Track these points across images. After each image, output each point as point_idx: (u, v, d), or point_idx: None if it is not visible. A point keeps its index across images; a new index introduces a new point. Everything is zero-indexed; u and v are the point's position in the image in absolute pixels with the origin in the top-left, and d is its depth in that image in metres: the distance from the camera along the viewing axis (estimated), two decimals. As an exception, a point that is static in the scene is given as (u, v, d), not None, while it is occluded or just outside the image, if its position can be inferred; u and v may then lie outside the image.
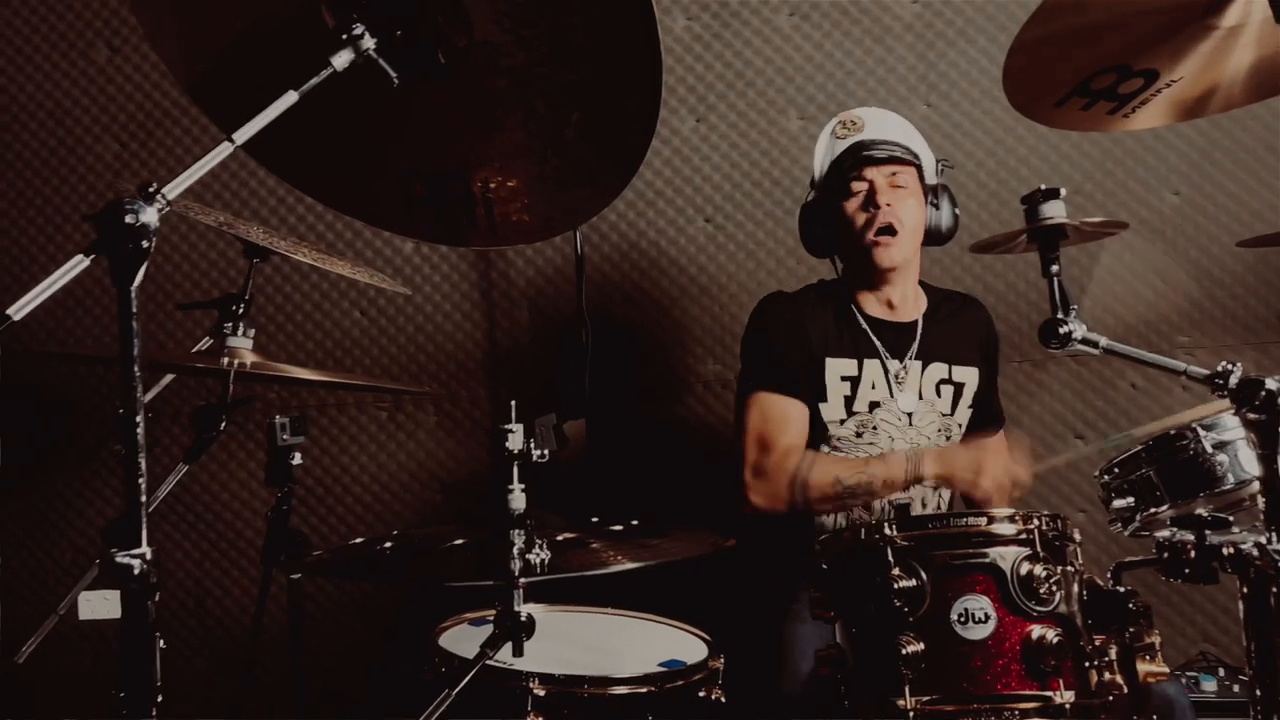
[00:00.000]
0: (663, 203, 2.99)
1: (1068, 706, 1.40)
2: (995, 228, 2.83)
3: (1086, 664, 1.45)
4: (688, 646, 1.86)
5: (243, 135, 1.24)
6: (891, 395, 2.21)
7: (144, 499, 1.12)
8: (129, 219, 1.09)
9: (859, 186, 2.18)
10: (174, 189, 1.15)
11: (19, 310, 1.08)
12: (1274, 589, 1.26)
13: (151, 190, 1.13)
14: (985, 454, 2.05)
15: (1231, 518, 1.34)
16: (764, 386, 2.20)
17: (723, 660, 1.78)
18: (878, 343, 2.23)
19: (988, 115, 2.90)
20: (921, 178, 2.21)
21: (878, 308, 2.27)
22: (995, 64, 2.89)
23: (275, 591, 2.21)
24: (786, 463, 2.10)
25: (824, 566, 1.62)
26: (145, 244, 1.10)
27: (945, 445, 2.23)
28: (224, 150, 1.23)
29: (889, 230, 2.15)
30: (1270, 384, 1.24)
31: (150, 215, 1.10)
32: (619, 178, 1.57)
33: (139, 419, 1.12)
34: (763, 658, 2.02)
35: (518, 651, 1.43)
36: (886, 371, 2.22)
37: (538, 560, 1.42)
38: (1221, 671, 2.45)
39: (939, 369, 2.25)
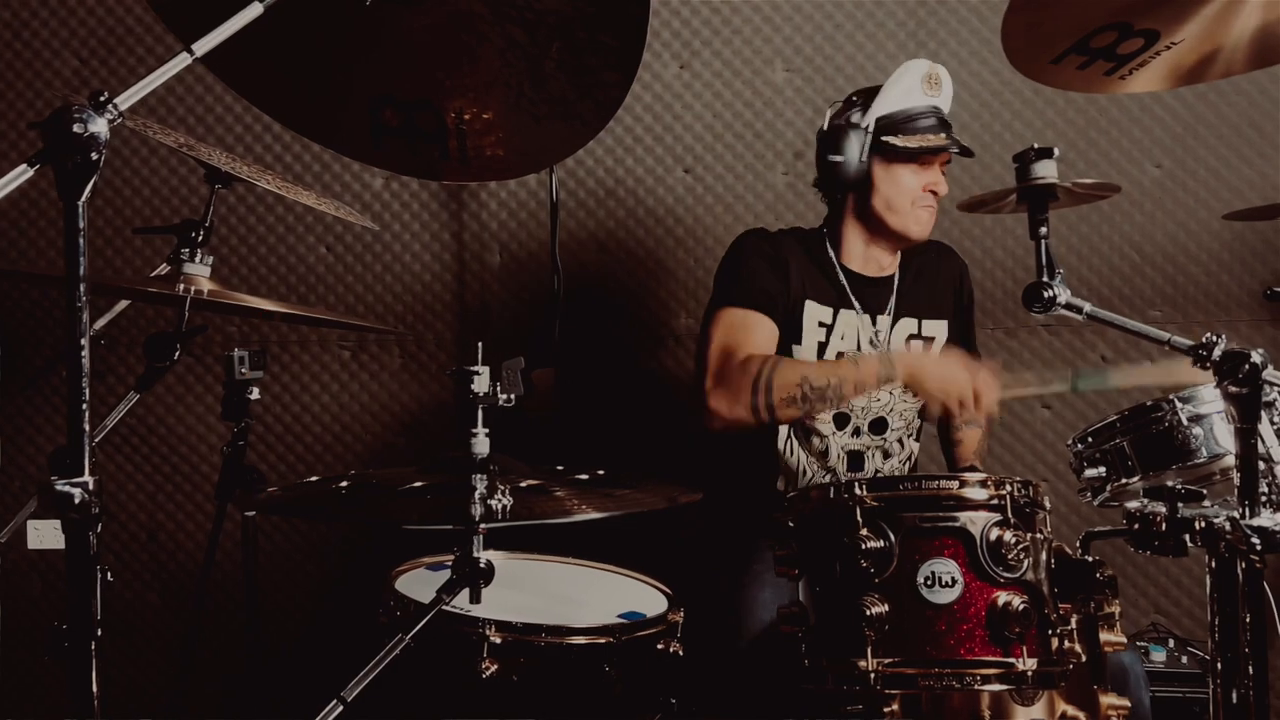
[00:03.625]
0: (641, 150, 2.92)
1: (1030, 674, 1.39)
2: (974, 189, 2.79)
3: (1049, 632, 1.44)
4: (648, 599, 1.84)
5: (202, 47, 1.17)
6: (859, 349, 2.19)
7: (88, 427, 1.07)
8: (77, 128, 1.03)
9: (928, 162, 2.15)
10: (127, 99, 1.09)
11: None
12: (1241, 564, 1.25)
13: (103, 99, 1.06)
14: (957, 367, 2.00)
15: (1205, 490, 1.33)
16: (732, 303, 2.14)
17: (682, 614, 1.76)
18: (854, 298, 2.21)
19: (975, 76, 2.86)
20: None
21: (860, 262, 2.24)
22: (985, 22, 2.85)
23: (229, 528, 2.17)
24: (749, 365, 2.02)
25: (790, 524, 1.59)
26: (94, 155, 1.04)
27: (920, 352, 2.22)
28: (182, 61, 1.16)
29: (926, 209, 2.18)
30: (1254, 357, 1.22)
31: (100, 125, 1.04)
32: (598, 115, 1.52)
33: (84, 342, 1.06)
34: (722, 614, 2.01)
35: (475, 598, 1.40)
36: (859, 330, 2.20)
37: (499, 506, 1.38)
38: (1171, 643, 2.48)
39: (909, 324, 2.24)
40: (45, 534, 2.95)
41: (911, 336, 2.25)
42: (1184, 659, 2.40)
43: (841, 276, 2.22)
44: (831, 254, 2.24)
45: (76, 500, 1.05)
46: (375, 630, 1.67)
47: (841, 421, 2.20)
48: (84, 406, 1.06)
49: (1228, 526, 1.23)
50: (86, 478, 1.06)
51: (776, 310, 2.14)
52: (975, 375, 1.97)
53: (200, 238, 1.90)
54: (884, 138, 2.12)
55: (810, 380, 1.98)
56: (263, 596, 2.53)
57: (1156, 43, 1.43)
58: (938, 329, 2.27)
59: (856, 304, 2.21)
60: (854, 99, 2.19)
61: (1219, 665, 1.28)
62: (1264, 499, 1.24)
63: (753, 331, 2.10)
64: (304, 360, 2.99)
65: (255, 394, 2.02)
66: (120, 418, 2.04)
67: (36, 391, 3.01)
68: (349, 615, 2.08)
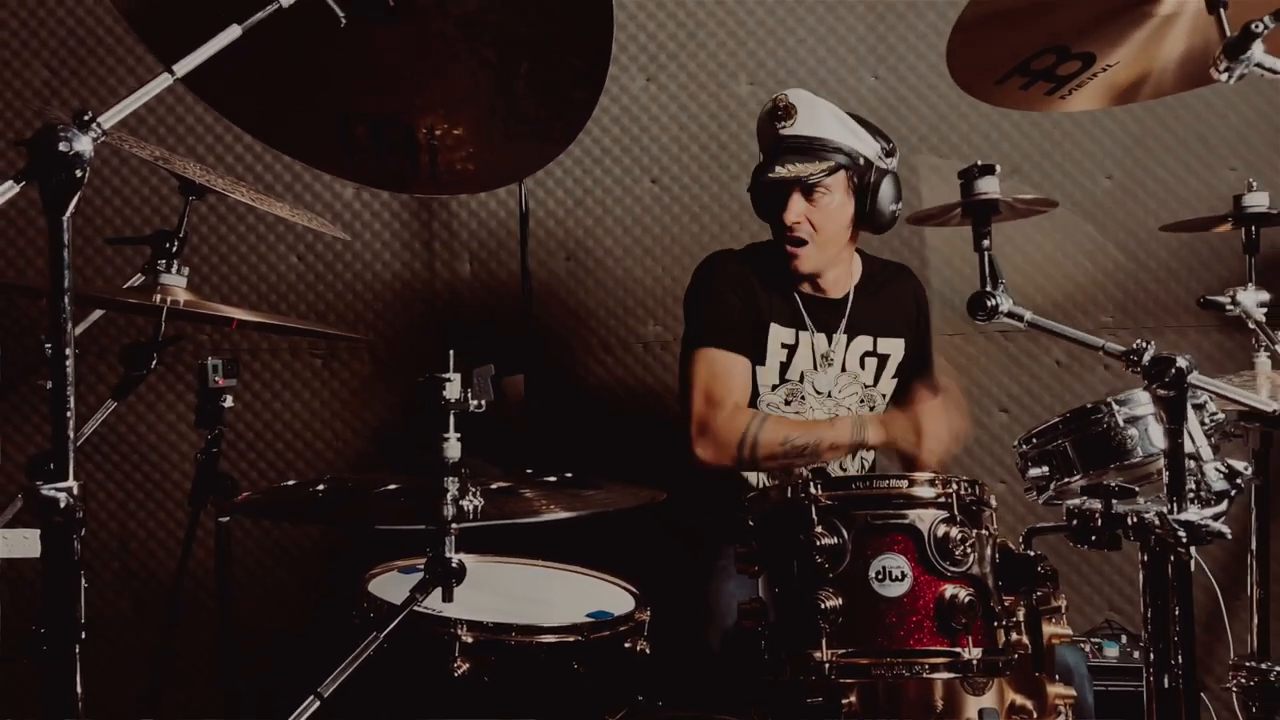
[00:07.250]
0: (609, 161, 2.98)
1: (975, 663, 1.46)
2: (934, 202, 2.87)
3: (995, 623, 1.51)
4: (615, 598, 1.89)
5: (183, 68, 1.22)
6: (815, 369, 2.26)
7: (72, 434, 1.10)
8: (63, 146, 1.07)
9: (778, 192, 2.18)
10: (110, 118, 1.13)
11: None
12: (1171, 556, 1.33)
13: (87, 119, 1.10)
14: (924, 418, 2.10)
15: (1138, 488, 1.40)
16: (710, 342, 2.21)
17: (649, 612, 1.81)
18: (808, 318, 2.27)
19: (933, 90, 2.94)
20: (852, 174, 2.18)
21: (807, 286, 2.29)
22: (943, 39, 2.90)
23: (202, 536, 2.19)
24: (736, 420, 2.12)
25: (750, 523, 1.66)
26: (79, 173, 1.08)
27: (888, 412, 2.28)
28: (163, 82, 1.21)
29: (798, 242, 2.19)
30: (1180, 362, 1.30)
31: (84, 144, 1.08)
32: (565, 133, 1.57)
33: (69, 353, 1.10)
34: (689, 611, 2.06)
35: (447, 597, 1.44)
36: (814, 348, 2.26)
37: (470, 507, 1.43)
38: (1124, 639, 2.55)
39: (864, 342, 2.30)
40: (15, 543, 2.93)
41: (867, 354, 2.30)
42: (1135, 654, 2.47)
43: (798, 298, 2.27)
44: (789, 274, 2.25)
45: (62, 505, 1.08)
46: (349, 633, 1.70)
47: None
48: (68, 414, 1.10)
49: (1156, 521, 1.30)
50: (71, 482, 1.09)
51: (747, 343, 2.21)
52: (939, 425, 2.08)
53: (175, 248, 1.93)
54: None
55: (792, 440, 2.10)
56: (235, 603, 2.54)
57: (1093, 65, 1.51)
58: (893, 347, 2.32)
59: (811, 325, 2.26)
60: (891, 146, 2.24)
61: (1151, 655, 1.35)
62: (1191, 495, 1.31)
63: (733, 378, 2.19)
64: (275, 369, 3.01)
65: (228, 402, 2.04)
66: (95, 427, 2.06)
67: (2, 400, 3.01)
68: (322, 620, 2.10)
